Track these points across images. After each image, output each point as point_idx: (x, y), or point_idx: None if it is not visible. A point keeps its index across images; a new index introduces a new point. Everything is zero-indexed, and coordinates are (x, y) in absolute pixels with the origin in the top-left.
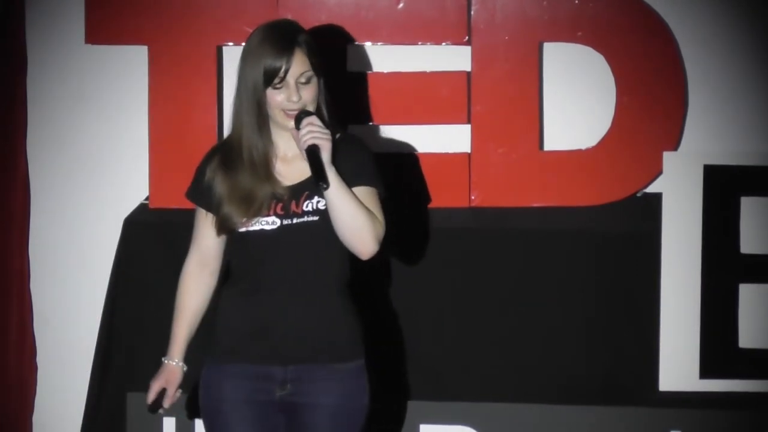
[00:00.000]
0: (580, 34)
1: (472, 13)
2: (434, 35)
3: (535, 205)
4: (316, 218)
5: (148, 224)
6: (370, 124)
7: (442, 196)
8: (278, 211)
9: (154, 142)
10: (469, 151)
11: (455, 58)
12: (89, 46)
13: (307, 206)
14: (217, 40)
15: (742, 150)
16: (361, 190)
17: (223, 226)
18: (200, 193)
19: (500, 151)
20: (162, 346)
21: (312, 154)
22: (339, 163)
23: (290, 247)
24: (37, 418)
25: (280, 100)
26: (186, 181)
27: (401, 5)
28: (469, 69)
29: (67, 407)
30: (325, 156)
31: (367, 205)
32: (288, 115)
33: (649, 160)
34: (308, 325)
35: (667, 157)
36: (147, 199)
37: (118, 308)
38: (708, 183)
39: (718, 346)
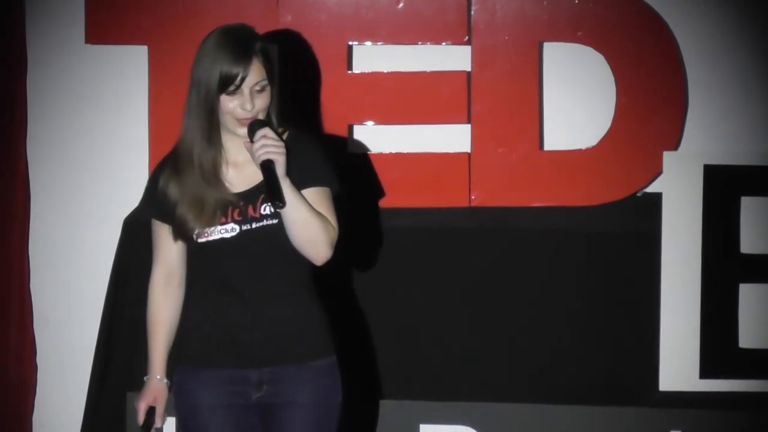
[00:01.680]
0: (580, 34)
1: (472, 13)
2: (434, 35)
3: (535, 205)
4: (275, 221)
5: (148, 224)
6: (370, 124)
7: (442, 196)
8: (236, 217)
9: (154, 142)
10: (469, 151)
11: (455, 58)
12: (89, 46)
13: (264, 210)
14: None
15: (742, 150)
16: (311, 192)
17: (179, 232)
18: (155, 205)
19: (500, 151)
20: None
21: (267, 169)
22: (288, 165)
23: (252, 251)
24: (37, 418)
25: (232, 107)
26: None
27: (401, 5)
28: (469, 69)
29: (67, 407)
30: (280, 170)
31: (319, 207)
32: (240, 123)
33: (649, 160)
34: (278, 326)
35: (667, 157)
36: None
37: (118, 308)
38: (708, 183)
39: (718, 346)
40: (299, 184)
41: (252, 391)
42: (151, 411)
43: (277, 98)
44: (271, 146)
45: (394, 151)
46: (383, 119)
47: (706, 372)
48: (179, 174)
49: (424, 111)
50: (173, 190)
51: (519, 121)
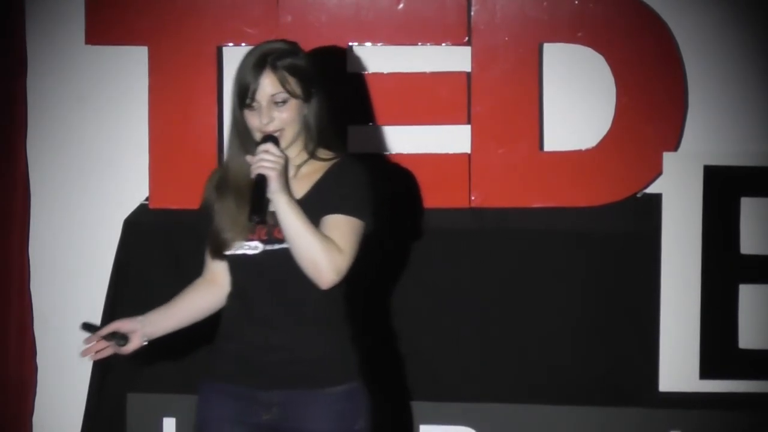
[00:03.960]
0: (580, 34)
1: (472, 13)
2: (434, 35)
3: (535, 205)
4: None
5: (148, 225)
6: (370, 124)
7: (442, 197)
8: (262, 236)
9: (154, 142)
10: (469, 151)
11: (455, 58)
12: (89, 46)
13: None
14: (217, 40)
15: (742, 150)
16: (333, 219)
17: (213, 249)
18: (203, 214)
19: (500, 151)
20: (162, 346)
21: (255, 183)
22: (323, 189)
23: (273, 272)
24: (37, 418)
25: (255, 122)
26: (186, 181)
27: (401, 5)
28: (469, 69)
29: (67, 407)
30: (273, 186)
31: (334, 234)
32: None
33: (649, 161)
34: (292, 351)
35: (667, 157)
36: (147, 199)
37: (118, 308)
38: (708, 183)
39: (718, 347)
40: (324, 209)
41: (262, 411)
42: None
43: (325, 117)
44: (267, 161)
45: (394, 152)
46: (383, 120)
47: (706, 372)
48: (220, 191)
49: (424, 111)
50: (214, 206)
51: (519, 122)
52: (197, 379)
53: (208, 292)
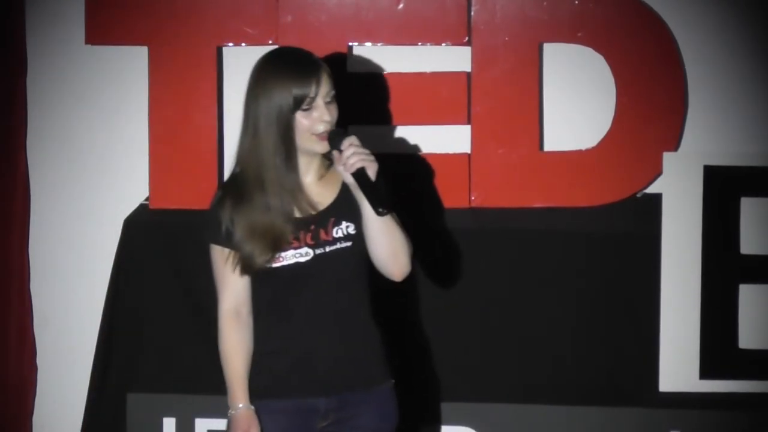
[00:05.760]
0: (580, 34)
1: (472, 13)
2: (434, 36)
3: (535, 205)
4: (349, 243)
5: (148, 225)
6: (370, 124)
7: (442, 197)
8: (308, 241)
9: (154, 142)
10: (469, 151)
11: (455, 58)
12: (89, 46)
13: (337, 233)
14: (217, 40)
15: (742, 150)
16: (394, 218)
17: (248, 265)
18: (222, 237)
19: (500, 151)
20: (162, 346)
21: (362, 177)
22: (349, 195)
23: (323, 275)
24: (37, 418)
25: (308, 123)
26: (186, 181)
27: (401, 6)
28: (469, 69)
29: (67, 407)
30: (374, 178)
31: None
32: (320, 138)
33: (649, 161)
34: (346, 352)
35: (667, 157)
36: (147, 199)
37: (118, 308)
38: (708, 183)
39: (718, 347)
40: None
41: (318, 420)
42: None
43: None
44: (363, 153)
45: (394, 152)
46: (383, 120)
47: (706, 372)
48: (244, 208)
49: (424, 111)
50: (239, 225)
51: (519, 122)
52: (196, 379)
53: (247, 325)
